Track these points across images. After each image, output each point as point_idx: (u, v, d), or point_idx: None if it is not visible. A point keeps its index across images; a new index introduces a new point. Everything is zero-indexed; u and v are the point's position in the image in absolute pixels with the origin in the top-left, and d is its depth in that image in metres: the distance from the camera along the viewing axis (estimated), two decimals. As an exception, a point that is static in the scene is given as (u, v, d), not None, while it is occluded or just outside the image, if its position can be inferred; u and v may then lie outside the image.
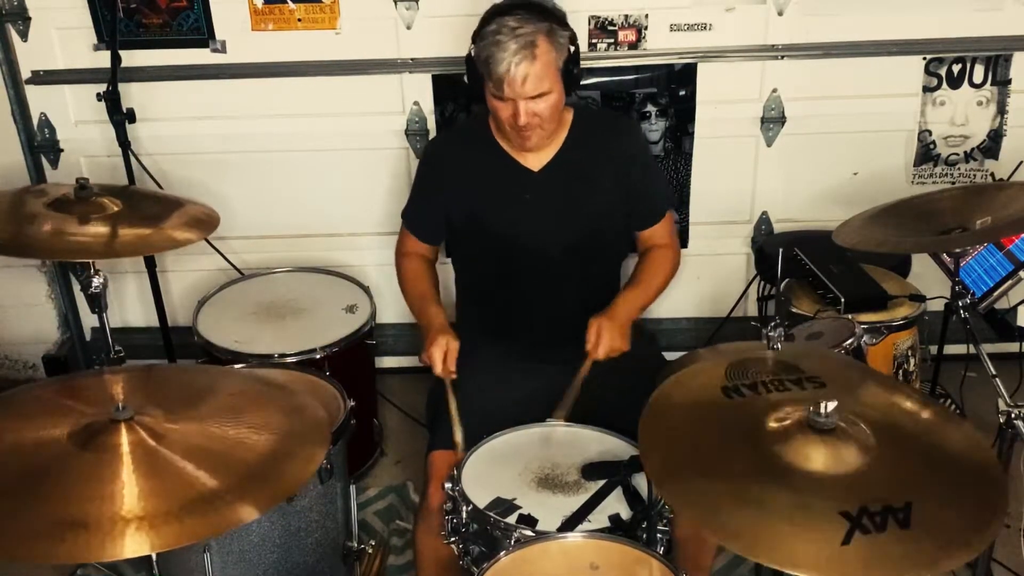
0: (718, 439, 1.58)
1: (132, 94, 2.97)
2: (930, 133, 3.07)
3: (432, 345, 2.26)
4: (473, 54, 2.24)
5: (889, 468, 1.50)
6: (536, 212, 2.38)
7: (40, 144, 3.12)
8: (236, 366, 2.46)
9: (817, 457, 1.49)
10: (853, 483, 1.46)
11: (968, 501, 1.47)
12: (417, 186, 2.56)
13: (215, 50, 2.98)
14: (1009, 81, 3.00)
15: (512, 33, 2.13)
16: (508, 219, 2.40)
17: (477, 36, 2.22)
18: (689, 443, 1.58)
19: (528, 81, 2.15)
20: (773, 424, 1.57)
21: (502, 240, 2.41)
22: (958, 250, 2.32)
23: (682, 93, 3.00)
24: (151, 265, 3.00)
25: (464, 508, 1.94)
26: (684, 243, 3.10)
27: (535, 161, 2.38)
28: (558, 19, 2.23)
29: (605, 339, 2.25)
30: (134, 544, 1.38)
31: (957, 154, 3.10)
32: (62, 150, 3.13)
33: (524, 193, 2.38)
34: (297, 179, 3.17)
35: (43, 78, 3.03)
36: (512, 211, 2.39)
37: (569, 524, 1.89)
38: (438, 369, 2.25)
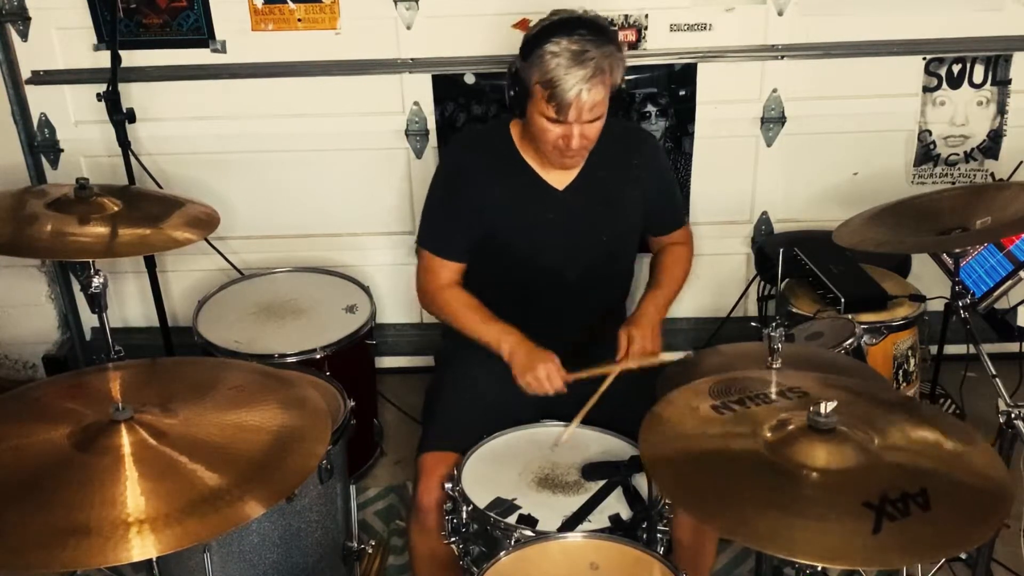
0: (726, 452, 1.59)
1: (132, 94, 2.97)
2: (930, 133, 3.07)
3: (534, 369, 2.16)
4: (523, 71, 2.11)
5: (892, 459, 1.53)
6: (557, 233, 2.31)
7: (40, 144, 3.12)
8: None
9: (823, 456, 1.51)
10: (864, 476, 1.49)
11: (976, 474, 1.51)
12: (437, 204, 2.37)
13: (215, 50, 2.98)
14: (1009, 81, 3.00)
15: (582, 58, 2.02)
16: (528, 239, 2.31)
17: (530, 53, 2.08)
18: (699, 461, 1.60)
19: (594, 107, 2.08)
20: (772, 431, 1.59)
21: (519, 260, 2.33)
22: (958, 250, 2.32)
23: (682, 93, 3.00)
24: (151, 265, 2.99)
25: (464, 508, 1.94)
26: (684, 243, 3.11)
27: (559, 179, 2.30)
28: (613, 37, 2.12)
29: (636, 345, 2.23)
30: (139, 548, 1.37)
31: (957, 154, 3.10)
32: (62, 150, 3.13)
33: (547, 212, 2.30)
34: (297, 179, 3.17)
35: (43, 78, 3.03)
36: (533, 231, 2.31)
37: (569, 524, 1.89)
38: (550, 391, 2.16)
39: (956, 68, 2.99)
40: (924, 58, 2.97)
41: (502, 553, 1.80)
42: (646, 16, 2.92)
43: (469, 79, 2.99)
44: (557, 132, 2.13)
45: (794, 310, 2.68)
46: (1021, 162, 3.05)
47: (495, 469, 2.06)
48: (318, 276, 3.02)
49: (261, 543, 2.07)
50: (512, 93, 2.17)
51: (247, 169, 3.14)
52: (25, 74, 3.04)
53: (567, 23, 2.08)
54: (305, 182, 3.17)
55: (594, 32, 2.07)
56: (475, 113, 3.03)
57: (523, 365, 2.18)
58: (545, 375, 2.16)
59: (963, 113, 3.04)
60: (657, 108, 3.02)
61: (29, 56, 3.01)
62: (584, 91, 2.04)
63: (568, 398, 2.21)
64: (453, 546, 1.99)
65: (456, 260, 2.35)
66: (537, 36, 2.09)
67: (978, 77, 2.99)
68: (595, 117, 2.12)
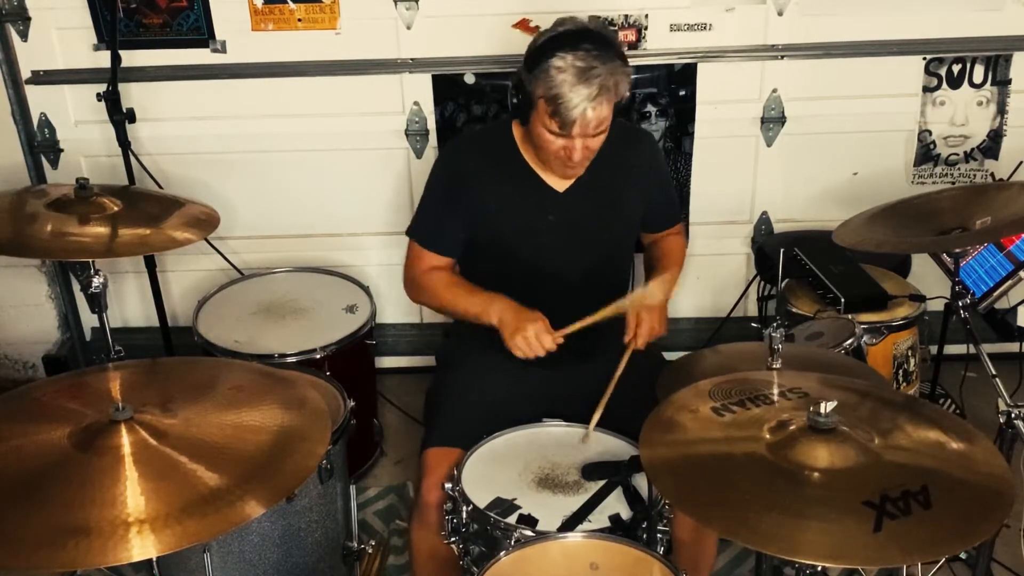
0: (727, 454, 1.59)
1: (132, 94, 2.97)
2: (930, 133, 3.07)
3: (523, 330, 2.15)
4: (527, 82, 2.09)
5: (894, 457, 1.53)
6: (558, 235, 2.31)
7: (40, 144, 3.12)
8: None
9: (824, 455, 1.51)
10: (864, 476, 1.49)
11: (978, 472, 1.52)
12: (434, 200, 2.37)
13: (215, 50, 2.98)
14: (1009, 81, 3.00)
15: (588, 75, 2.01)
16: (530, 241, 2.31)
17: (535, 66, 2.06)
18: (700, 463, 1.60)
19: (599, 123, 2.08)
20: (773, 432, 1.59)
21: (520, 262, 2.33)
22: (958, 250, 2.32)
23: (682, 93, 3.00)
24: (151, 265, 3.00)
25: (464, 508, 1.94)
26: (684, 243, 3.11)
27: (560, 181, 2.29)
28: (619, 51, 2.09)
29: (645, 326, 2.22)
30: (139, 548, 1.37)
31: (957, 154, 3.10)
32: (62, 150, 3.13)
33: (548, 215, 2.30)
34: (297, 179, 3.17)
35: (43, 78, 3.03)
36: (534, 233, 2.31)
37: (569, 524, 1.89)
38: (541, 352, 2.15)
39: (956, 68, 2.99)
40: (924, 58, 2.97)
41: (502, 553, 1.80)
42: (646, 16, 2.92)
43: (469, 79, 2.99)
44: (559, 144, 2.13)
45: (794, 310, 2.68)
46: (1021, 162, 3.05)
47: (495, 469, 2.06)
48: (318, 276, 3.02)
49: (261, 543, 2.07)
50: (515, 101, 2.17)
51: (247, 169, 3.15)
52: (25, 74, 3.04)
53: (573, 36, 2.06)
54: (305, 182, 3.17)
55: (600, 46, 2.05)
56: (475, 113, 3.03)
57: (512, 327, 2.18)
58: (534, 334, 2.15)
59: (963, 113, 3.04)
60: (657, 108, 3.02)
61: (29, 56, 3.01)
62: (589, 109, 2.03)
63: (571, 396, 2.21)
64: (453, 546, 1.99)
65: (443, 254, 2.36)
66: (542, 48, 2.07)
67: (978, 77, 3.00)
68: (600, 131, 2.12)
